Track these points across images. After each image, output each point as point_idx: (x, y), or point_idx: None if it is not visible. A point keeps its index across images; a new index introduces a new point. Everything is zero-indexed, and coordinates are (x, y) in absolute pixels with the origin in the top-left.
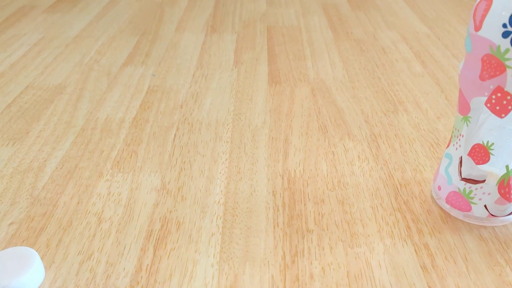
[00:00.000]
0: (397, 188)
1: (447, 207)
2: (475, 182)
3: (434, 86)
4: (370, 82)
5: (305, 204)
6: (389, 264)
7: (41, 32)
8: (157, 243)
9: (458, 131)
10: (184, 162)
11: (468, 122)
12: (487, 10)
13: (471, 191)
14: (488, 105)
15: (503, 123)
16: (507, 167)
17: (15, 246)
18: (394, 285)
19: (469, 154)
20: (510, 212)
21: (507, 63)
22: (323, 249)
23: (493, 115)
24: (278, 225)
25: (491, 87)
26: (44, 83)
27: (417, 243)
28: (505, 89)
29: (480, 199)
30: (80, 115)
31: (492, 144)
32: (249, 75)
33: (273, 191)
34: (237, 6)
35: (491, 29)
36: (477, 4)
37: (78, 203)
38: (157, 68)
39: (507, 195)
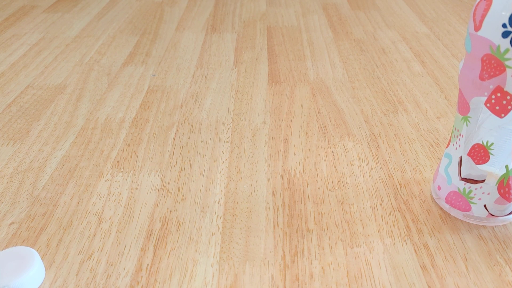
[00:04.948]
0: (397, 188)
1: (446, 207)
2: (474, 182)
3: (433, 86)
4: (370, 82)
5: (305, 204)
6: (388, 263)
7: (41, 32)
8: (157, 243)
9: (457, 131)
10: (184, 162)
11: (467, 122)
12: (487, 10)
13: (470, 191)
14: (488, 105)
15: (502, 123)
16: (506, 167)
17: (15, 246)
18: (393, 284)
19: (468, 154)
20: (509, 212)
21: (506, 63)
22: (323, 249)
23: (492, 115)
24: (278, 225)
25: (491, 87)
26: (44, 83)
27: (417, 243)
28: (505, 89)
29: (479, 199)
30: (80, 115)
31: (492, 144)
32: (249, 75)
33: (273, 191)
34: (237, 6)
35: (491, 29)
36: (477, 4)
37: (78, 203)
38: (157, 68)
39: (507, 195)
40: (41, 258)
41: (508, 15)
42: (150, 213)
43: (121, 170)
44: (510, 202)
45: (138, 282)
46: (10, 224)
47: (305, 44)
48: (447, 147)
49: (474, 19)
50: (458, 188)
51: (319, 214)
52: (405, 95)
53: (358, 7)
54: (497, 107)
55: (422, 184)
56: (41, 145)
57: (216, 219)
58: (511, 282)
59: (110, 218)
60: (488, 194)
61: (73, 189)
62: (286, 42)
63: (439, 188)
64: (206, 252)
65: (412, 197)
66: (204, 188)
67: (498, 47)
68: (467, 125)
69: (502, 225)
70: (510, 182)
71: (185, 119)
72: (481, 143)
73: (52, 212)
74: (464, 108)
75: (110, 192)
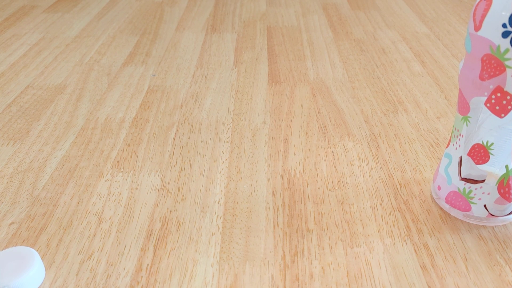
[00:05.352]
0: (397, 188)
1: (446, 207)
2: (474, 182)
3: (433, 86)
4: (370, 82)
5: (305, 204)
6: (388, 263)
7: (41, 32)
8: (157, 243)
9: (457, 131)
10: (184, 162)
11: (467, 122)
12: (487, 10)
13: (470, 191)
14: (488, 105)
15: (502, 123)
16: (506, 167)
17: (16, 246)
18: (393, 284)
19: (468, 154)
20: (509, 212)
21: (506, 63)
22: (323, 249)
23: (492, 115)
24: (278, 225)
25: (491, 87)
26: (44, 83)
27: (417, 243)
28: (505, 89)
29: (479, 199)
30: (80, 115)
31: (492, 144)
32: (249, 75)
33: (273, 191)
34: (237, 6)
35: (491, 29)
36: (477, 4)
37: (78, 203)
38: (157, 68)
39: (507, 195)
40: (41, 258)
41: (508, 15)
42: (150, 213)
43: (121, 170)
44: (510, 202)
45: (138, 282)
46: (10, 224)
47: (305, 44)
48: (447, 147)
49: (474, 19)
50: (458, 188)
51: (319, 214)
52: (405, 95)
53: (358, 7)
54: (497, 107)
55: (422, 184)
56: (41, 145)
57: (216, 219)
58: (511, 282)
59: (110, 218)
60: (488, 194)
61: (73, 189)
62: (286, 42)
63: (439, 188)
64: (206, 252)
65: (412, 197)
66: (204, 188)
67: (498, 47)
68: (467, 125)
69: (502, 225)
70: (510, 182)
71: (185, 119)
72: (481, 143)
73: (52, 212)
74: (464, 108)
75: (110, 192)
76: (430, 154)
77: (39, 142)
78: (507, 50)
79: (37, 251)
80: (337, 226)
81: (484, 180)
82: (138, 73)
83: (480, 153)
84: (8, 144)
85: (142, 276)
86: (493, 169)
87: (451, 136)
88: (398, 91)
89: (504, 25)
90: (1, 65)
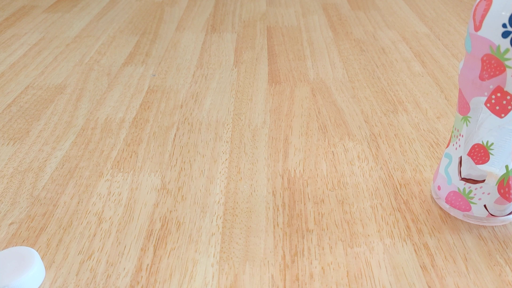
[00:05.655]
0: (397, 188)
1: (446, 207)
2: (474, 182)
3: (433, 86)
4: (370, 82)
5: (305, 204)
6: (388, 263)
7: (41, 32)
8: (157, 243)
9: (457, 131)
10: (184, 162)
11: (467, 122)
12: (487, 10)
13: (470, 191)
14: (488, 105)
15: (502, 123)
16: (506, 167)
17: (15, 246)
18: (393, 284)
19: (468, 154)
20: (509, 212)
21: (506, 63)
22: (323, 249)
23: (492, 115)
24: (278, 225)
25: (491, 87)
26: (44, 83)
27: (417, 243)
28: (505, 89)
29: (479, 199)
30: (80, 115)
31: (492, 144)
32: (249, 75)
33: (273, 191)
34: (237, 6)
35: (491, 29)
36: (477, 4)
37: (78, 203)
38: (157, 68)
39: (507, 195)
40: (41, 258)
41: (508, 15)
42: (150, 213)
43: (121, 170)
44: (510, 202)
45: (138, 282)
46: (10, 224)
47: (305, 44)
48: (447, 147)
49: (474, 19)
50: (458, 188)
51: (319, 214)
52: (405, 95)
53: (358, 7)
54: (497, 107)
55: (422, 184)
56: (41, 145)
57: (216, 219)
58: (511, 282)
59: (110, 218)
60: (488, 194)
61: (73, 189)
62: (286, 42)
63: (439, 188)
64: (206, 252)
65: (412, 197)
66: (204, 188)
67: (498, 47)
68: (467, 125)
69: (502, 225)
70: (510, 182)
71: (185, 119)
72: (481, 143)
73: (52, 212)
74: (464, 108)
75: (110, 192)
76: (430, 154)
77: (39, 142)
78: (507, 50)
79: (37, 251)
80: (337, 226)
81: (484, 180)
82: (138, 73)
83: (480, 153)
84: (8, 144)
85: (142, 276)
86: (493, 169)
87: (451, 136)
88: (398, 91)
89: (504, 25)
90: (1, 65)
